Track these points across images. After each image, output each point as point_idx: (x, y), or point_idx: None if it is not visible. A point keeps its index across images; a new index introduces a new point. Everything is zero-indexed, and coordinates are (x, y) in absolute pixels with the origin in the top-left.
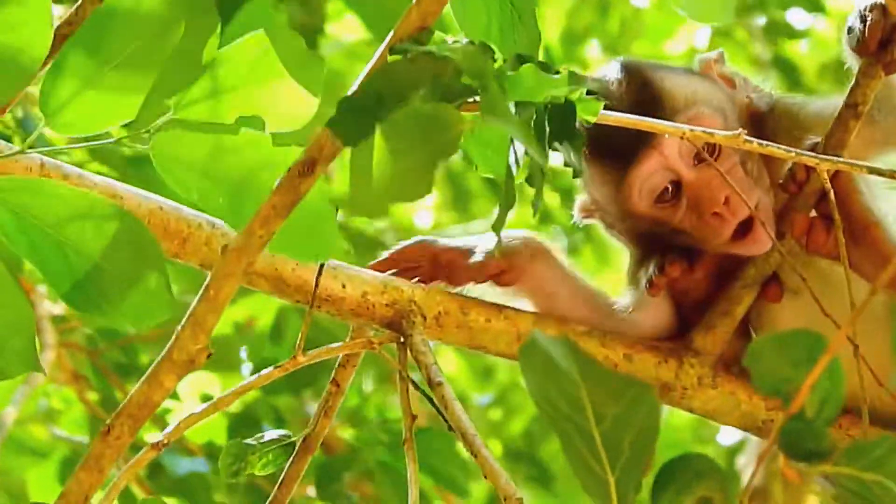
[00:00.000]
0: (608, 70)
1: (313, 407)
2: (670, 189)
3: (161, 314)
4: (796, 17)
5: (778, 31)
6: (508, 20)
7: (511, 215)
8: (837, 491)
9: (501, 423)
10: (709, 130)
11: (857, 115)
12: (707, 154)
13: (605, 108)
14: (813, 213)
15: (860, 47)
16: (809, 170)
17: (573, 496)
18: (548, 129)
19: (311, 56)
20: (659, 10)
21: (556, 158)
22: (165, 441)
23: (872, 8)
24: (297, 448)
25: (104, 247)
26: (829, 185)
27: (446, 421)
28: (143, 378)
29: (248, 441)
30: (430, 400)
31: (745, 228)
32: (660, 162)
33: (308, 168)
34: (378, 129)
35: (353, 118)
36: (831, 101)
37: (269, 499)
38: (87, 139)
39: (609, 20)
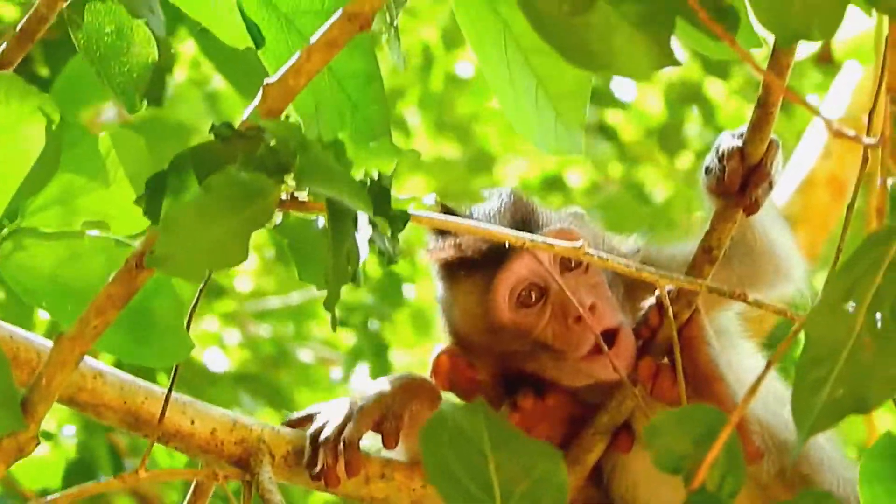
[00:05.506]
0: (494, 194)
1: None
2: (535, 295)
3: (9, 427)
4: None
5: (601, 100)
6: (346, 104)
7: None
8: None
9: None
10: (550, 241)
11: (711, 259)
12: (575, 266)
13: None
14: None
15: (720, 188)
16: (662, 315)
17: None
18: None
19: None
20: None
21: None
22: None
23: (731, 155)
24: None
25: None
26: (667, 302)
27: None
28: None
29: None
30: None
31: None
32: (529, 266)
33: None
34: (195, 194)
35: (158, 196)
36: (688, 245)
37: None
38: None
39: (432, 79)
